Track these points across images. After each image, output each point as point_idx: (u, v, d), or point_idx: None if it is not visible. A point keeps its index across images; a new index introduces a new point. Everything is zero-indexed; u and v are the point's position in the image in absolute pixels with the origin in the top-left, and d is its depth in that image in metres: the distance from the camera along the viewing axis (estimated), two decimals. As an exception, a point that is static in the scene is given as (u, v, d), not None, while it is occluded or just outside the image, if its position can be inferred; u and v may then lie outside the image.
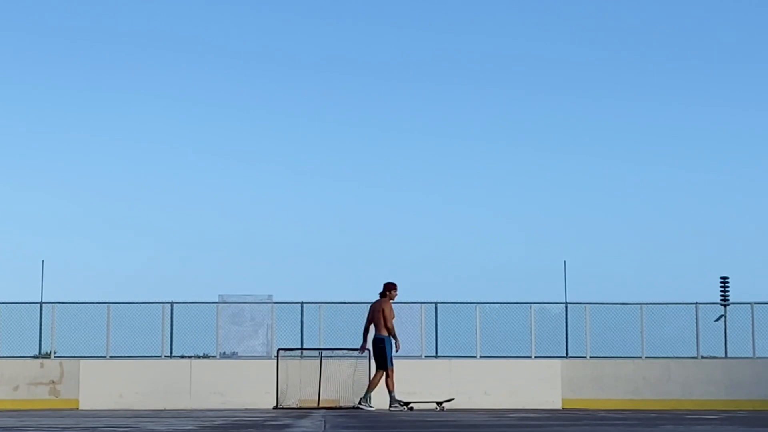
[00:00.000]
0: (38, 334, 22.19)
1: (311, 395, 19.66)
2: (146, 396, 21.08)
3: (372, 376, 17.86)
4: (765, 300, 22.61)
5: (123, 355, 21.98)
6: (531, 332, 22.01)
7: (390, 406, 17.32)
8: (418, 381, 21.27)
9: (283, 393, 19.49)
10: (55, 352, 22.09)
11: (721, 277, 37.46)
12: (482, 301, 22.42)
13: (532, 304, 22.30)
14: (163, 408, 20.21)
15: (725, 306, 24.72)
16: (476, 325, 21.97)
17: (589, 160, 53.53)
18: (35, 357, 22.19)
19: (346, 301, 22.43)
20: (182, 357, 22.22)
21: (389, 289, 17.75)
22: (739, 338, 22.49)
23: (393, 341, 17.48)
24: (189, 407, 20.61)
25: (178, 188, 54.80)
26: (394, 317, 17.65)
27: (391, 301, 17.70)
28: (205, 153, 55.26)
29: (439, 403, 17.90)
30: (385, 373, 17.37)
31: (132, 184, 54.08)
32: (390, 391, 17.38)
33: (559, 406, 21.17)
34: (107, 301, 22.33)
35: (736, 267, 54.90)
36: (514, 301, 22.63)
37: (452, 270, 50.72)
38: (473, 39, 52.44)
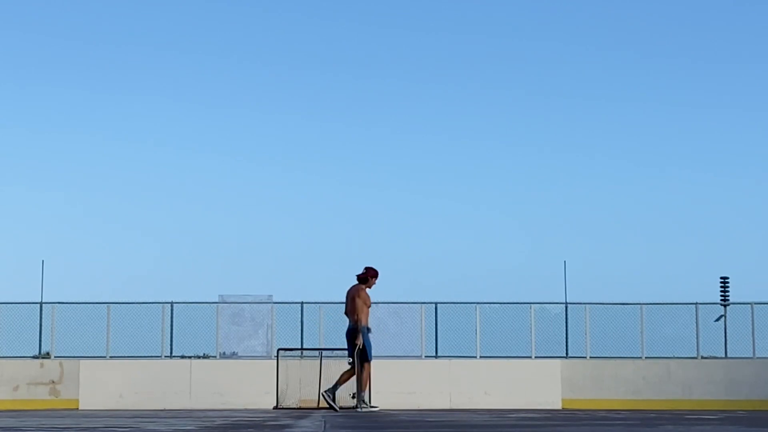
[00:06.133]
0: (38, 334, 22.20)
1: (311, 395, 19.64)
2: (146, 396, 21.08)
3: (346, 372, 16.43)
4: (765, 300, 22.62)
5: (123, 355, 22.00)
6: (531, 332, 22.02)
7: (357, 406, 16.58)
8: (418, 381, 21.29)
9: (283, 393, 19.48)
10: (54, 352, 22.08)
11: (721, 277, 37.48)
12: (482, 301, 22.43)
13: (532, 304, 22.30)
14: (163, 408, 20.21)
15: (725, 306, 24.73)
16: (476, 325, 21.97)
17: (589, 160, 53.56)
18: (35, 357, 22.20)
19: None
20: (182, 357, 22.22)
21: (371, 275, 16.37)
22: (739, 338, 22.50)
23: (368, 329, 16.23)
24: (189, 407, 20.61)
25: (179, 188, 54.84)
26: (369, 306, 16.34)
27: (368, 289, 16.36)
28: (205, 153, 55.29)
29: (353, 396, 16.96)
30: (359, 368, 16.14)
31: (132, 184, 54.13)
32: (363, 390, 16.26)
33: (559, 406, 21.16)
34: (107, 301, 22.34)
35: (736, 267, 54.95)
36: (514, 301, 22.63)
37: (452, 270, 50.73)
38: (473, 39, 52.47)
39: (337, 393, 16.56)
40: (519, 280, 47.45)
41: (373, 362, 17.14)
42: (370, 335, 16.36)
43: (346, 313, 16.43)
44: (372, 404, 16.97)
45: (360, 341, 16.19)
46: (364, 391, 16.50)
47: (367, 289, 16.38)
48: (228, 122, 53.82)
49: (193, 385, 21.27)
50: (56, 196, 55.00)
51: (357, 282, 16.41)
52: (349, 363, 16.34)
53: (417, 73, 53.56)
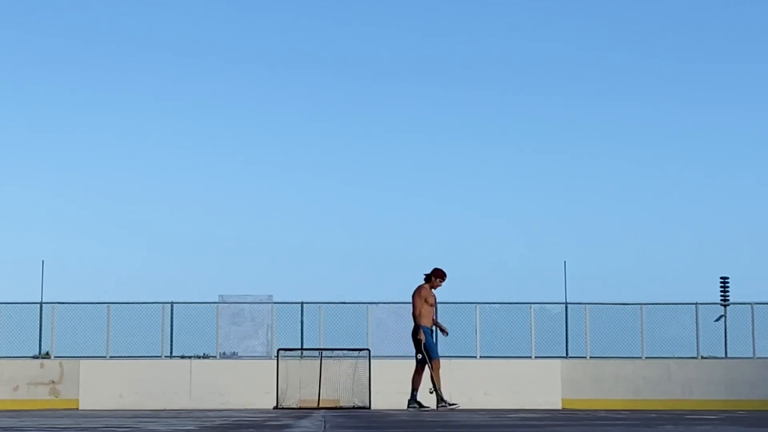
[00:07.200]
0: (38, 334, 22.21)
1: (311, 395, 19.65)
2: (146, 396, 21.09)
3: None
4: (765, 300, 22.62)
5: (123, 355, 22.00)
6: (531, 332, 22.02)
7: (437, 405, 16.50)
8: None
9: (283, 393, 19.48)
10: (54, 352, 22.08)
11: (721, 277, 37.46)
12: (482, 301, 22.43)
13: (532, 304, 22.30)
14: (163, 408, 20.21)
15: (725, 306, 24.73)
16: (476, 325, 21.97)
17: (589, 160, 53.58)
18: (35, 357, 22.20)
19: (346, 301, 22.45)
20: (182, 357, 22.23)
21: (435, 275, 16.61)
22: (739, 338, 22.51)
23: (431, 330, 16.48)
24: (189, 407, 20.61)
25: (179, 188, 54.85)
26: (432, 304, 16.52)
27: (432, 289, 16.60)
28: (205, 153, 55.31)
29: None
30: (429, 366, 16.42)
31: (132, 184, 54.12)
32: (439, 387, 16.49)
33: (559, 406, 21.16)
34: (107, 301, 22.34)
35: (736, 267, 54.94)
36: (514, 301, 22.64)
37: (452, 270, 50.71)
38: (472, 39, 52.47)
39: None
40: (519, 280, 47.47)
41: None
42: (433, 335, 16.61)
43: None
44: (451, 402, 16.76)
45: (422, 337, 16.35)
46: (440, 388, 16.48)
47: (433, 290, 16.65)
48: (228, 122, 53.84)
49: (193, 385, 21.27)
50: (56, 196, 55.01)
51: (423, 281, 16.74)
52: (418, 360, 16.52)
53: (417, 74, 53.57)
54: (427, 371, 16.67)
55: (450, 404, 16.58)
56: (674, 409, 19.94)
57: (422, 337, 16.44)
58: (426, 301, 16.57)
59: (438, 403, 16.56)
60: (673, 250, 52.20)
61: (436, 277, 16.69)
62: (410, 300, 16.77)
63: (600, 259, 50.98)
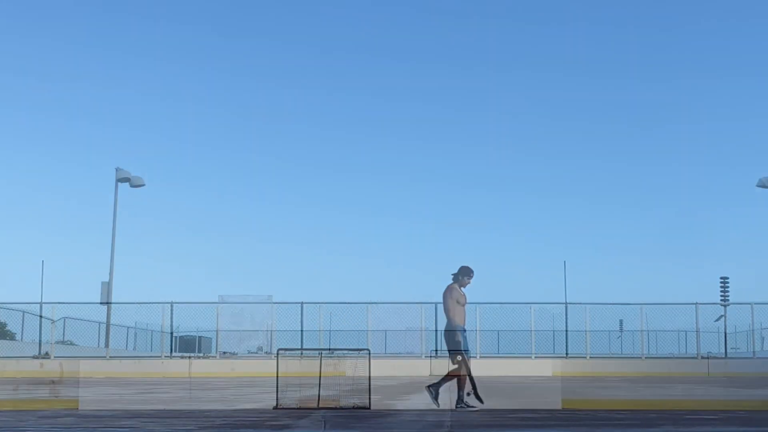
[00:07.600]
0: (38, 334, 22.25)
1: (311, 395, 19.66)
2: (146, 396, 21.11)
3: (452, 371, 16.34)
4: (765, 300, 22.68)
5: (123, 355, 22.02)
6: (531, 332, 22.05)
7: (456, 405, 16.51)
8: (418, 380, 21.30)
9: (283, 393, 19.49)
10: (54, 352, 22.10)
11: (721, 277, 37.51)
12: (482, 301, 22.47)
13: (532, 304, 22.34)
14: (163, 408, 20.20)
15: (725, 306, 24.77)
16: (476, 325, 22.00)
17: (589, 160, 53.63)
18: (35, 357, 22.24)
19: (345, 301, 22.49)
20: (182, 357, 22.25)
21: (462, 274, 16.12)
22: (739, 338, 22.55)
23: (464, 329, 16.07)
24: (189, 407, 20.61)
25: (179, 188, 54.86)
26: (463, 304, 16.07)
27: (462, 288, 16.15)
28: (205, 153, 55.32)
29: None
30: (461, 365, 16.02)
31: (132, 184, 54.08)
32: (462, 388, 16.06)
33: (559, 406, 21.16)
34: (107, 301, 22.37)
35: (736, 267, 55.02)
36: (514, 301, 22.68)
37: (452, 270, 50.68)
38: (474, 40, 52.51)
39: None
40: (519, 280, 47.57)
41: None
42: (464, 334, 16.33)
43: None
44: (471, 404, 16.50)
45: (459, 338, 16.16)
46: (462, 390, 16.26)
47: (462, 288, 16.29)
48: (228, 122, 53.90)
49: (193, 385, 21.30)
50: (56, 195, 55.05)
51: (452, 281, 16.45)
52: (457, 361, 16.26)
53: (417, 77, 53.64)
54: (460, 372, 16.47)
55: (469, 406, 16.39)
56: (674, 409, 19.93)
57: (459, 338, 16.24)
58: (458, 301, 16.36)
59: (457, 403, 16.40)
60: (673, 250, 52.28)
61: (463, 275, 16.28)
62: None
63: (600, 259, 51.04)
